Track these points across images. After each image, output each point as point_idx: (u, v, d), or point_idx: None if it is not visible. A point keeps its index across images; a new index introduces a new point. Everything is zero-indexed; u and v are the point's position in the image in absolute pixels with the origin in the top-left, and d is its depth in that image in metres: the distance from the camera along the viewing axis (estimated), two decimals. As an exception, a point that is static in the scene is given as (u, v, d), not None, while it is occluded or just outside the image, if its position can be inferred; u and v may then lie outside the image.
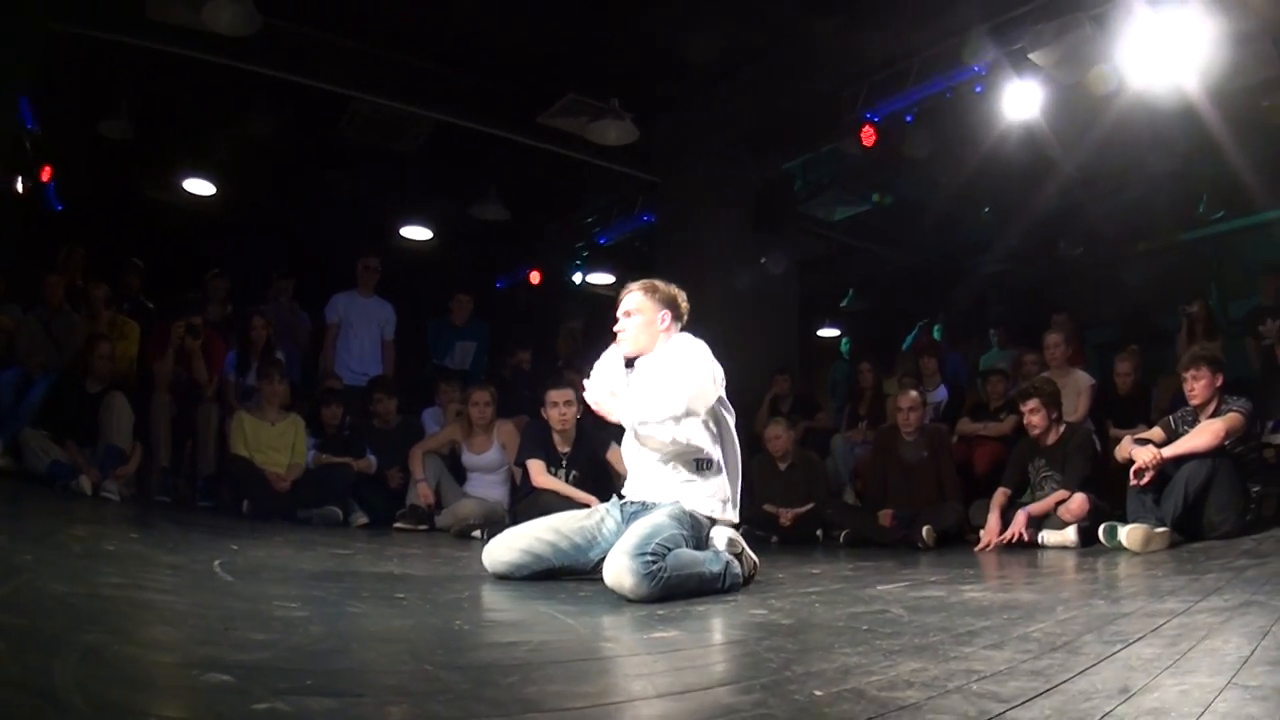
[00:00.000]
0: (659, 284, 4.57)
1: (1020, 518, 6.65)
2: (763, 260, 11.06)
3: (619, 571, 3.50)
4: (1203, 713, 1.79)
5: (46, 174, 10.87)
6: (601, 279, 14.29)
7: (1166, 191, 11.40)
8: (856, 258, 15.04)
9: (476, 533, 7.15)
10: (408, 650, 2.47)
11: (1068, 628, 2.89)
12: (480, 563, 4.25)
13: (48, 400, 7.63)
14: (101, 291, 8.78)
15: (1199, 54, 7.36)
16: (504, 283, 15.39)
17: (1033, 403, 6.93)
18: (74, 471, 7.14)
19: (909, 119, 9.42)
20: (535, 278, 14.56)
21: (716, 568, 3.91)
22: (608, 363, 4.71)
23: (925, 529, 7.01)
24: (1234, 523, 5.94)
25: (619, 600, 3.48)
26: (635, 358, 4.53)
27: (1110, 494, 6.71)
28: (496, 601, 3.60)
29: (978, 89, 8.74)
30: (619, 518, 4.28)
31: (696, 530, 4.09)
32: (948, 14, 8.44)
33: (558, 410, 6.92)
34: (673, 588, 3.56)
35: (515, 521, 6.87)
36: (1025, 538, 6.57)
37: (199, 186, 12.11)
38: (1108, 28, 7.51)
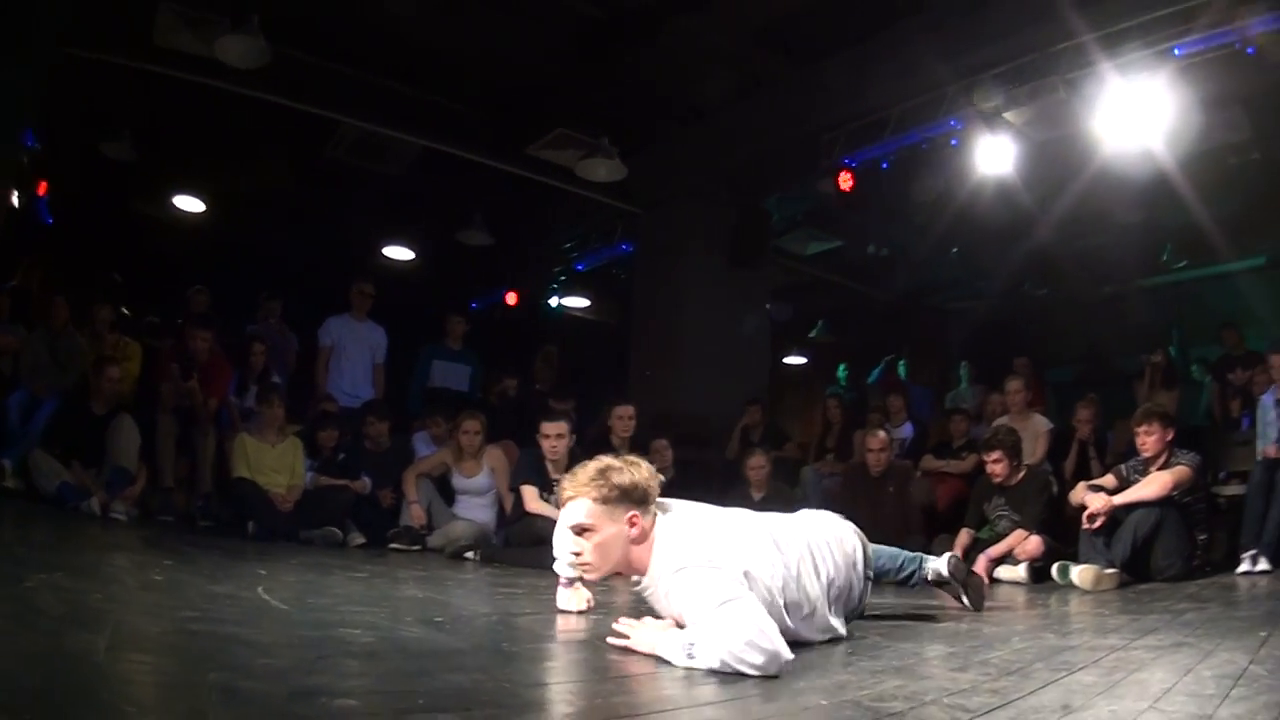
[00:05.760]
0: (610, 470, 3.42)
1: (982, 562, 7.02)
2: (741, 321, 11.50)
3: None
4: None
5: (42, 189, 11.12)
6: (577, 303, 14.73)
7: (1132, 239, 12.01)
8: (825, 290, 15.49)
9: (470, 554, 7.46)
10: (479, 668, 2.84)
11: (1021, 656, 3.36)
12: (487, 584, 4.71)
13: (53, 422, 7.80)
14: (106, 313, 8.98)
15: (1168, 118, 7.92)
16: (479, 304, 15.69)
17: (996, 454, 7.33)
18: (83, 493, 7.34)
19: (885, 166, 9.91)
20: (512, 299, 14.98)
21: None
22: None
23: (890, 560, 7.44)
24: (1180, 568, 6.44)
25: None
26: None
27: (1062, 535, 7.18)
28: (524, 623, 4.02)
29: (953, 142, 9.23)
30: None
31: None
32: (925, 70, 8.89)
33: (549, 442, 7.32)
34: None
35: (507, 544, 7.32)
36: (986, 580, 7.00)
37: (189, 203, 12.43)
38: (1080, 91, 8.01)
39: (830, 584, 3.66)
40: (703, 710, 2.40)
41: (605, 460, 3.48)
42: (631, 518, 3.36)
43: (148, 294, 11.07)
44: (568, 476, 3.50)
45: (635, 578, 3.49)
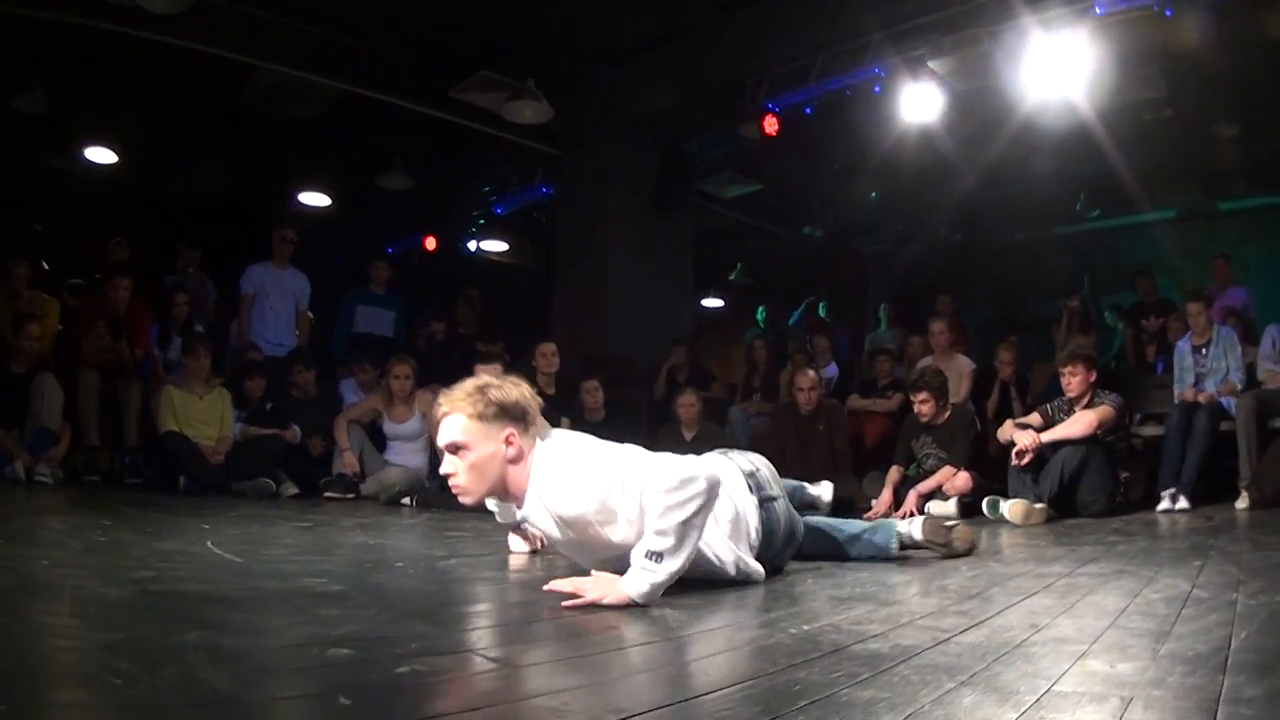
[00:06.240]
0: (488, 387, 3.25)
1: (912, 497, 7.25)
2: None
3: None
4: (1094, 641, 2.35)
5: None
6: (495, 247, 14.66)
7: (1048, 188, 12.23)
8: (744, 232, 15.59)
9: (406, 500, 7.49)
10: (454, 612, 2.93)
11: (975, 583, 3.51)
12: (431, 528, 4.96)
13: None
14: (22, 270, 8.71)
15: (1087, 72, 8.07)
16: (395, 249, 15.49)
17: (923, 394, 7.47)
18: (5, 457, 7.19)
19: (809, 111, 9.95)
20: (431, 244, 14.85)
21: None
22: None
23: (824, 498, 7.57)
24: (1104, 504, 6.69)
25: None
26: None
27: (987, 471, 7.42)
28: (481, 564, 4.04)
29: (876, 89, 9.28)
30: None
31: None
32: (852, 18, 8.93)
33: (485, 385, 7.27)
34: None
35: (443, 488, 7.30)
36: (915, 513, 7.17)
37: (101, 155, 12.07)
38: (1004, 44, 8.13)
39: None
40: (694, 642, 2.46)
41: (485, 378, 3.34)
42: (508, 436, 3.19)
43: (63, 249, 10.82)
44: (444, 393, 3.31)
45: (515, 507, 3.38)
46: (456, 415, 3.19)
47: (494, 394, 3.20)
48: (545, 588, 2.84)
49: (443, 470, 3.28)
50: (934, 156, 10.42)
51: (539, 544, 4.20)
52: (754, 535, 3.54)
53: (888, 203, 13.58)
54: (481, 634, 2.53)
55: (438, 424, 3.27)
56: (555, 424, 3.54)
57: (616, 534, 3.08)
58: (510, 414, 3.20)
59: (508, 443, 3.18)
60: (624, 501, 3.01)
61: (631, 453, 3.17)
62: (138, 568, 3.28)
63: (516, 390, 3.26)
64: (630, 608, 2.79)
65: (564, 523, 3.19)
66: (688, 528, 2.85)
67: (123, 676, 1.79)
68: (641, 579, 2.82)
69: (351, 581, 3.28)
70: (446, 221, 14.83)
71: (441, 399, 3.27)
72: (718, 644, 2.35)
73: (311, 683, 1.91)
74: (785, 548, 3.77)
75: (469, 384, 3.27)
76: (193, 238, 10.70)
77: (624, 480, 3.00)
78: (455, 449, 3.19)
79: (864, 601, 3.03)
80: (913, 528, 4.23)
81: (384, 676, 1.93)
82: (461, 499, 3.30)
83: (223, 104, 11.03)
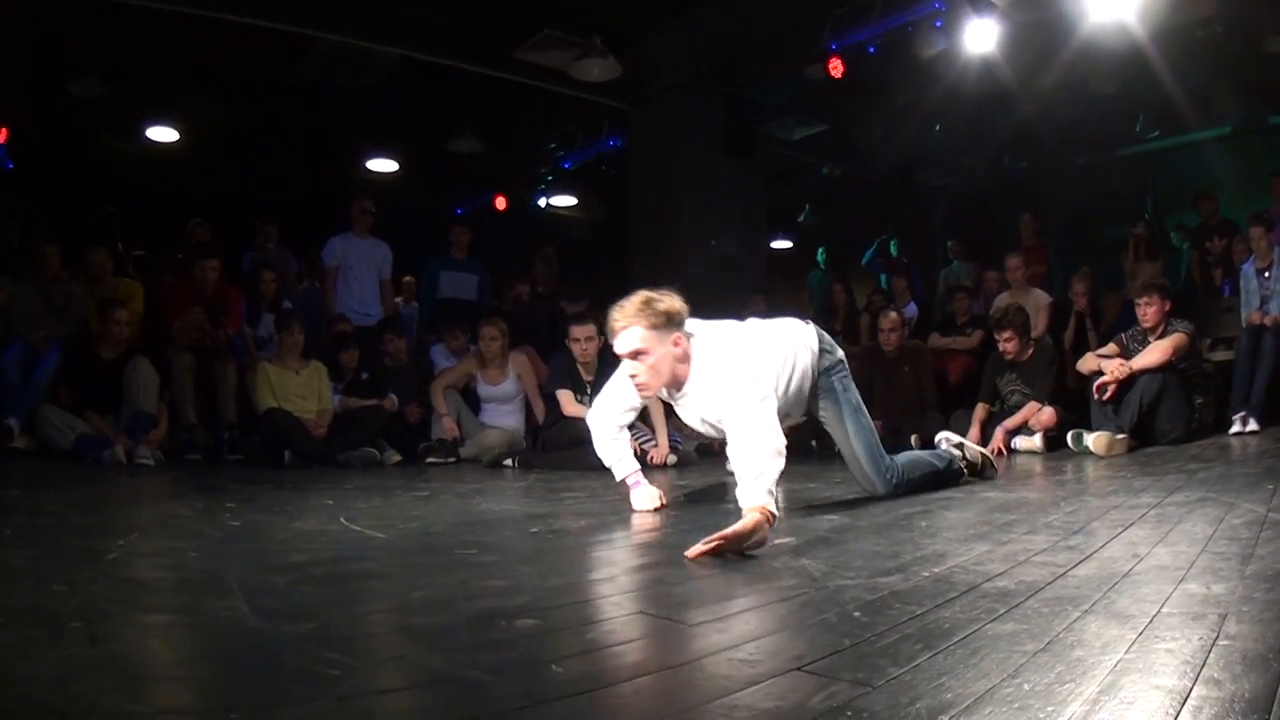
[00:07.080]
0: (653, 300, 3.95)
1: (999, 434, 7.43)
2: (713, 243, 11.63)
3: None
4: (1189, 567, 2.64)
5: (2, 136, 11.07)
6: (564, 201, 14.86)
7: (1107, 111, 12.20)
8: (812, 173, 15.65)
9: (507, 461, 7.70)
10: (607, 575, 3.15)
11: (1076, 517, 3.78)
12: (545, 490, 5.27)
13: (61, 373, 7.69)
14: (101, 257, 8.80)
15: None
16: (463, 210, 15.69)
17: (1008, 333, 7.65)
18: (103, 443, 7.20)
19: (871, 50, 10.02)
20: (501, 203, 15.01)
21: None
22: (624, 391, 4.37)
23: (913, 437, 7.68)
24: (1181, 430, 6.93)
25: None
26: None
27: (1068, 403, 7.61)
28: (610, 524, 4.19)
29: (937, 24, 9.37)
30: None
31: None
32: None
33: (580, 345, 7.49)
34: None
35: (545, 448, 7.54)
36: (1004, 452, 7.36)
37: (161, 133, 12.32)
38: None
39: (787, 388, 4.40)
40: (841, 591, 2.55)
41: (644, 292, 3.99)
42: (676, 339, 3.94)
43: (134, 229, 11.00)
44: (616, 309, 4.01)
45: (673, 391, 4.14)
46: (635, 327, 3.92)
47: (660, 305, 3.93)
48: (687, 554, 3.02)
49: (627, 373, 4.05)
50: (995, 85, 10.46)
51: (661, 500, 4.48)
52: (789, 384, 4.43)
53: (950, 135, 13.58)
54: (642, 595, 2.67)
55: (615, 335, 4.00)
56: None
57: None
58: (674, 321, 3.95)
59: (676, 344, 3.94)
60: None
61: (764, 379, 3.88)
62: (288, 551, 3.35)
63: (673, 300, 3.98)
64: (763, 540, 3.14)
65: (705, 422, 4.15)
66: (761, 445, 3.47)
67: (337, 666, 1.82)
68: (747, 487, 3.34)
69: (499, 550, 3.47)
70: (515, 181, 14.99)
71: (616, 313, 3.98)
72: (862, 591, 2.49)
73: (516, 654, 1.98)
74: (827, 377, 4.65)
75: (636, 299, 3.96)
76: (267, 213, 10.87)
77: (746, 402, 3.62)
78: (636, 355, 3.95)
79: (980, 541, 3.27)
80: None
81: (579, 642, 2.12)
82: (643, 394, 4.16)
83: (282, 76, 11.18)
